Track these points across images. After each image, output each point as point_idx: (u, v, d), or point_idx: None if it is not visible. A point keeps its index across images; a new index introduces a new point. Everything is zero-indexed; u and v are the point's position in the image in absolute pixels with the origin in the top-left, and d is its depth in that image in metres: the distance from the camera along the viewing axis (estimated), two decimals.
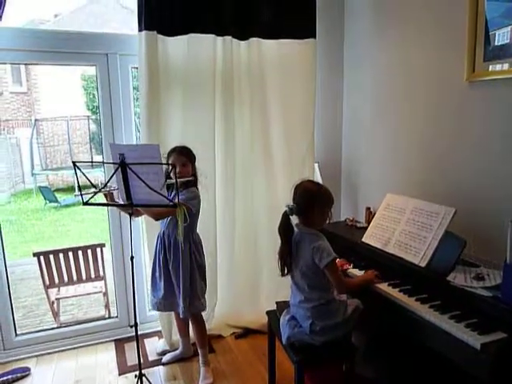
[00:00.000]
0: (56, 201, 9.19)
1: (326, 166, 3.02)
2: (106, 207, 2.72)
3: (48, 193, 9.24)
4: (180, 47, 2.47)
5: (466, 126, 2.03)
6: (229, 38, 2.55)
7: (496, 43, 1.85)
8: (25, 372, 2.47)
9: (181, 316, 2.35)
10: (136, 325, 2.07)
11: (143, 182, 1.77)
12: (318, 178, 2.91)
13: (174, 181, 1.87)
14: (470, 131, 2.01)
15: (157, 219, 2.24)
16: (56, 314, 3.39)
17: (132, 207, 1.96)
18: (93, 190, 1.92)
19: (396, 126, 2.54)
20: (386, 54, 2.57)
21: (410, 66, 2.38)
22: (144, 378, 2.14)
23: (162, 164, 1.80)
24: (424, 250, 1.85)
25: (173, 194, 2.21)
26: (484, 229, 1.94)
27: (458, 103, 2.07)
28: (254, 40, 2.62)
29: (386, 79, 2.59)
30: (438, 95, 2.20)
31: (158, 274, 2.36)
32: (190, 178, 2.24)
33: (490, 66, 1.89)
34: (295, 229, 1.88)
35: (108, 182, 1.93)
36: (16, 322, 2.73)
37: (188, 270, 2.28)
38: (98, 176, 6.65)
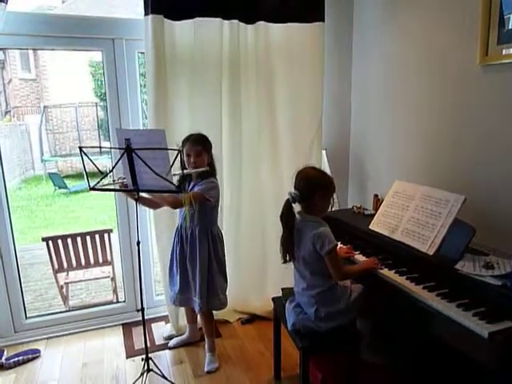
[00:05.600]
0: (65, 187, 9.27)
1: (333, 152, 2.98)
2: (113, 193, 2.73)
3: (57, 179, 9.31)
4: (186, 31, 2.44)
5: (479, 111, 1.98)
6: (235, 21, 2.50)
7: (510, 26, 1.79)
8: (35, 354, 2.53)
9: (196, 312, 2.35)
10: (143, 309, 2.09)
11: (149, 167, 1.76)
12: (326, 165, 2.88)
13: (188, 171, 1.84)
14: (483, 116, 1.96)
15: (174, 207, 2.17)
16: (65, 298, 3.45)
17: (138, 193, 1.96)
18: (106, 180, 1.92)
19: (406, 112, 2.49)
20: (396, 38, 2.51)
21: (420, 51, 2.32)
22: (151, 362, 2.17)
23: (167, 149, 1.79)
24: (432, 237, 1.83)
25: (191, 185, 2.19)
26: (494, 217, 1.91)
27: (470, 87, 2.01)
28: (261, 24, 2.57)
29: (396, 64, 2.53)
30: (449, 80, 2.14)
31: (174, 267, 2.34)
32: (205, 169, 2.16)
33: (504, 50, 1.83)
34: (297, 216, 1.86)
35: (114, 167, 1.93)
36: (26, 306, 2.77)
37: (206, 264, 2.23)
38: (106, 163, 6.69)
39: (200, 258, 2.22)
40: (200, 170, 2.15)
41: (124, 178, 1.96)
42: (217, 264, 2.30)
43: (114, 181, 1.96)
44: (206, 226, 2.24)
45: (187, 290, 2.32)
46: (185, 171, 1.97)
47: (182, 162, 1.96)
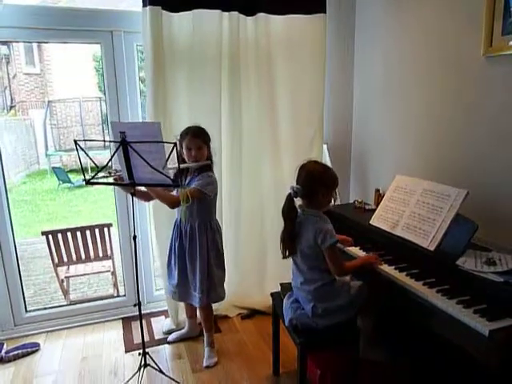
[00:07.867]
0: (69, 181, 9.29)
1: (335, 147, 2.95)
2: (113, 187, 2.71)
3: (61, 173, 9.33)
4: (185, 23, 2.41)
5: (483, 103, 1.93)
6: (235, 13, 2.46)
7: None
8: (34, 347, 2.53)
9: (197, 306, 2.33)
10: (139, 304, 2.08)
11: (144, 160, 1.74)
12: (327, 160, 2.84)
13: (188, 165, 1.79)
14: (487, 109, 1.91)
15: (172, 207, 2.13)
16: (66, 292, 3.45)
17: (134, 187, 1.94)
18: (102, 173, 1.90)
19: (408, 105, 2.44)
20: (398, 30, 2.45)
21: (423, 42, 2.27)
22: (148, 356, 2.16)
23: (163, 142, 1.76)
24: (433, 233, 1.79)
25: (188, 178, 2.15)
26: (497, 212, 1.87)
27: (474, 79, 1.96)
28: (261, 15, 2.53)
29: (399, 57, 2.48)
30: (453, 71, 2.09)
31: (173, 262, 2.33)
32: (206, 163, 2.14)
33: (509, 41, 1.78)
34: (299, 210, 1.83)
35: (109, 161, 1.91)
36: (26, 299, 2.78)
37: (205, 259, 2.22)
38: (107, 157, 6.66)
39: (200, 253, 2.21)
40: (201, 163, 2.12)
41: (120, 171, 1.94)
42: (216, 257, 2.28)
43: (109, 173, 1.94)
44: (205, 220, 2.22)
45: (186, 285, 2.31)
46: (185, 165, 1.93)
47: (178, 155, 1.93)
